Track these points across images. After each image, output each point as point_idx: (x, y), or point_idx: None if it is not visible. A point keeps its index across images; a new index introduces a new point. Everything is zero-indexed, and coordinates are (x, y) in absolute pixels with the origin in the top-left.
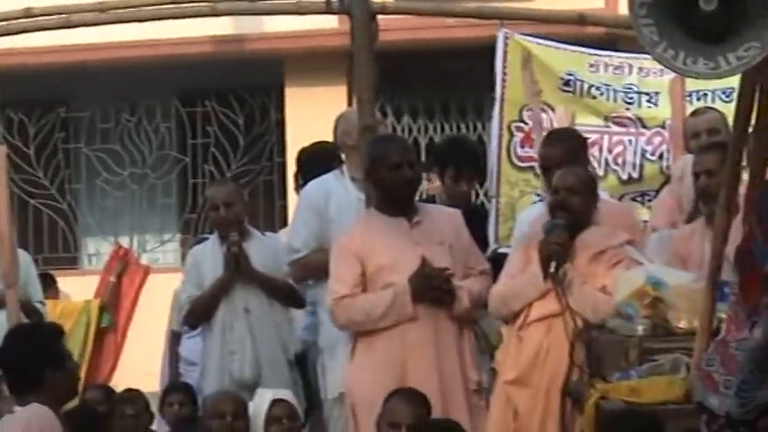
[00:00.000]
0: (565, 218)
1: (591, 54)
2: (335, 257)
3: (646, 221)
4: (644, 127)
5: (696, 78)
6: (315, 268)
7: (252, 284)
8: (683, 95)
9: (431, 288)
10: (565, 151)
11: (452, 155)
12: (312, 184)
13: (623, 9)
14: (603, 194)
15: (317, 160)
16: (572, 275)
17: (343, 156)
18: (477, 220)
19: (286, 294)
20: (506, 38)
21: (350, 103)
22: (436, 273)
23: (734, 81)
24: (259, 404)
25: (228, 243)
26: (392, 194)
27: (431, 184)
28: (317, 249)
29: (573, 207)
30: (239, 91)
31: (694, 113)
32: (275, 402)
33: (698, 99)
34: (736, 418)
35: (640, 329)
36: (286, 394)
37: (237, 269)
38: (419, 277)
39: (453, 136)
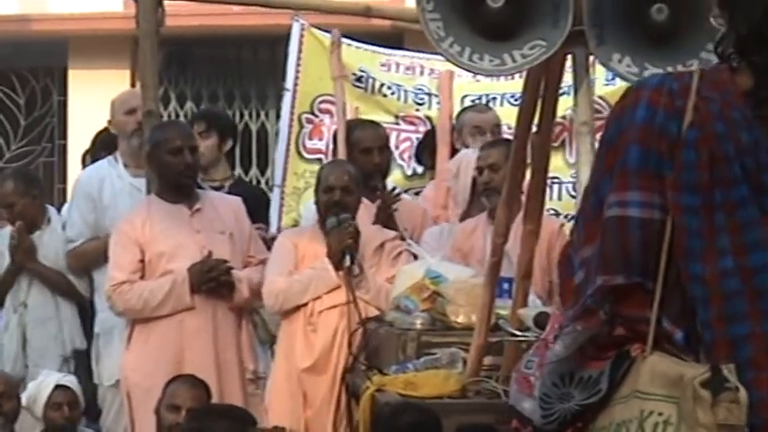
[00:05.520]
0: (349, 212)
1: (382, 53)
2: (114, 243)
3: None
4: (432, 126)
5: (482, 74)
6: (89, 257)
7: (36, 279)
8: (452, 91)
9: (209, 279)
10: None
11: None
12: (85, 171)
13: (410, 2)
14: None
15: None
16: (366, 267)
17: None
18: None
19: (63, 289)
20: (302, 29)
21: (133, 87)
22: (215, 264)
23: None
24: (41, 386)
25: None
26: (172, 179)
27: None
28: (91, 238)
29: (351, 205)
30: (21, 71)
31: (473, 108)
32: (58, 388)
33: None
34: (540, 428)
35: (419, 323)
36: (70, 381)
37: (14, 262)
38: (198, 268)
39: None
